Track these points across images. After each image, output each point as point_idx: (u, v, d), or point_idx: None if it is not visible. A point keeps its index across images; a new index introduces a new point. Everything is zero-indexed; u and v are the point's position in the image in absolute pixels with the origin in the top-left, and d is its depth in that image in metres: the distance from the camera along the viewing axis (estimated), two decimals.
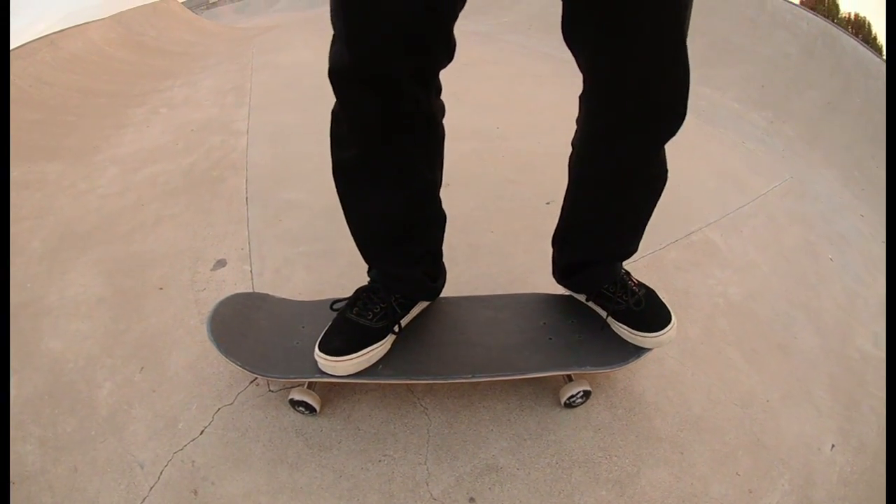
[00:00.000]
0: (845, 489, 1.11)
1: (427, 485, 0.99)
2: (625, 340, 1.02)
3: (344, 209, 0.94)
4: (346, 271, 1.44)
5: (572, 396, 1.03)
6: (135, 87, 3.58)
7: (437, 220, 0.99)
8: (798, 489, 1.07)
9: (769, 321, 1.46)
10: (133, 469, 1.04)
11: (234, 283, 1.46)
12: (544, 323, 1.08)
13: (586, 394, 1.04)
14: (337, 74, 0.74)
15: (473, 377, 0.97)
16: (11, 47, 3.35)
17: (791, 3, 3.74)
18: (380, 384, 1.08)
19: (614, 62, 0.76)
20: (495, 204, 1.81)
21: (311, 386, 1.03)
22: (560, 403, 1.07)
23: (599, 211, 0.97)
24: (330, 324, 0.97)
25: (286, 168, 2.13)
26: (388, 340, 0.98)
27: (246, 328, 1.05)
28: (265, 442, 1.04)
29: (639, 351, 1.00)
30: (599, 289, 1.03)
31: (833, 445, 1.19)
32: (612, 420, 1.09)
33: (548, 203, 1.71)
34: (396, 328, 0.99)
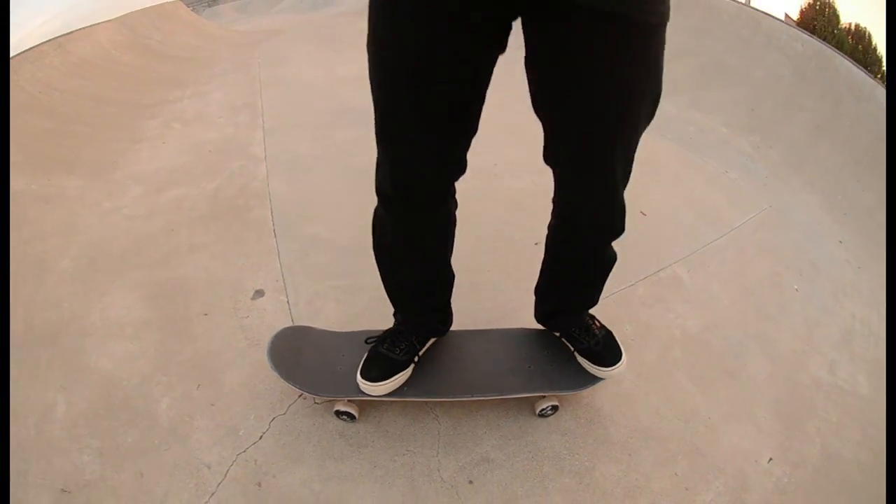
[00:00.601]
0: (781, 497, 1.30)
1: (439, 471, 1.32)
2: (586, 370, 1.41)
3: (381, 275, 1.34)
4: (370, 305, 1.72)
5: (543, 409, 1.42)
6: (144, 95, 3.77)
7: (449, 280, 1.39)
8: (732, 492, 1.30)
9: (721, 350, 1.71)
10: (200, 470, 1.26)
11: (274, 311, 1.72)
12: (525, 353, 1.47)
13: (554, 408, 1.43)
14: (382, 195, 1.14)
15: (472, 397, 1.38)
16: (17, 49, 3.40)
17: (787, 23, 3.92)
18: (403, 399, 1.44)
19: (575, 196, 1.15)
20: (491, 244, 2.07)
21: (351, 400, 1.37)
22: (535, 413, 1.44)
23: (565, 279, 1.37)
24: (366, 355, 1.37)
25: (308, 202, 2.36)
26: (410, 369, 1.38)
27: (298, 357, 1.43)
28: (315, 443, 1.35)
29: (595, 379, 1.39)
30: (568, 330, 1.43)
31: (770, 459, 1.39)
32: (576, 427, 1.42)
33: (536, 244, 1.86)
34: (416, 359, 1.38)
